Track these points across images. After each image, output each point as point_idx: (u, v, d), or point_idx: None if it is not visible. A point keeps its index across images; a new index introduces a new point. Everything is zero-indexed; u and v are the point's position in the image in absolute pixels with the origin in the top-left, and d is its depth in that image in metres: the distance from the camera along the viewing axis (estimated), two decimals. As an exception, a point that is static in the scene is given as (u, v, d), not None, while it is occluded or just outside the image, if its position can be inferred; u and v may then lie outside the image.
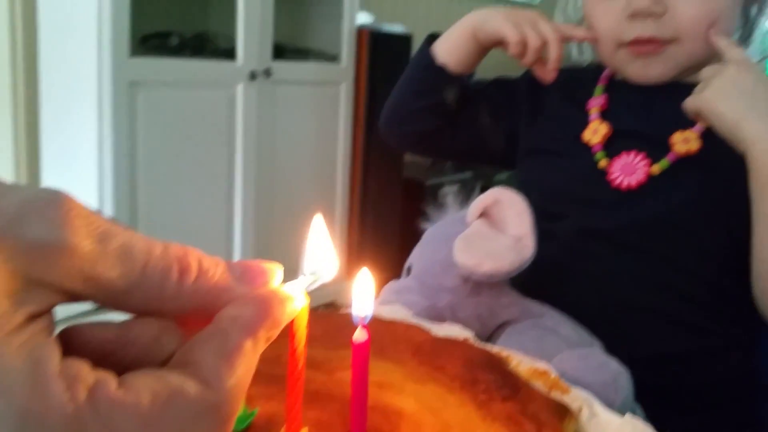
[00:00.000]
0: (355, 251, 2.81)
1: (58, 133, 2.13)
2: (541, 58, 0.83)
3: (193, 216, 2.23)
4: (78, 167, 2.06)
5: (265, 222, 2.45)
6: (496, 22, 0.82)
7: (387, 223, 2.86)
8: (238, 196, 2.35)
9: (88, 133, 1.99)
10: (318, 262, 0.31)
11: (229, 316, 0.26)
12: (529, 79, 0.89)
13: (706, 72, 0.71)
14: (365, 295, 0.32)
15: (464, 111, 0.92)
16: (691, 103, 0.70)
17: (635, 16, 0.75)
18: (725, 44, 0.73)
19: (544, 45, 0.81)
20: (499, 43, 0.84)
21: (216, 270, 0.27)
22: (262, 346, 0.27)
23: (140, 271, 0.25)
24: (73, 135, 2.06)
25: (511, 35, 0.80)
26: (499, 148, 0.94)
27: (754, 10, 0.82)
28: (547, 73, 0.83)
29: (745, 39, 0.83)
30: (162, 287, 0.25)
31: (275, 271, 0.29)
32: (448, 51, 0.88)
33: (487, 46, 0.86)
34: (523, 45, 0.81)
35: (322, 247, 0.31)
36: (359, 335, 0.32)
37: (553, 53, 0.81)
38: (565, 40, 0.82)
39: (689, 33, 0.75)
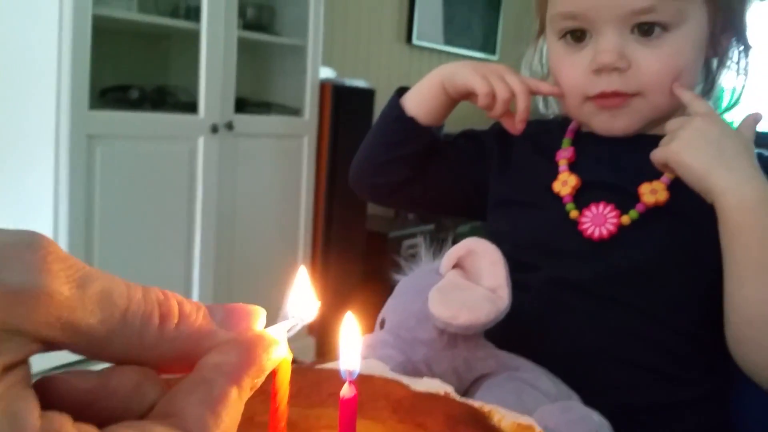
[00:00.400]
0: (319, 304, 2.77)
1: (13, 186, 2.08)
2: (509, 110, 0.83)
3: (150, 271, 2.18)
4: (32, 220, 2.01)
5: (225, 276, 2.41)
6: (465, 74, 0.83)
7: (350, 276, 2.84)
8: (197, 250, 2.32)
9: (43, 185, 1.95)
10: (299, 306, 0.30)
11: (212, 364, 0.25)
12: (497, 130, 0.90)
13: (671, 124, 0.71)
14: (352, 347, 0.30)
15: (435, 162, 0.91)
16: (658, 155, 0.70)
17: (600, 71, 0.76)
18: (689, 97, 0.74)
19: (512, 97, 0.81)
20: (468, 95, 0.84)
21: (198, 314, 0.26)
22: (247, 394, 0.26)
23: (120, 317, 0.23)
24: (28, 188, 2.02)
25: (480, 87, 0.81)
26: (469, 198, 0.94)
27: (715, 63, 0.84)
28: (516, 125, 0.83)
29: (707, 92, 0.84)
30: (143, 333, 0.24)
31: (258, 314, 0.28)
32: (418, 103, 0.88)
33: (456, 98, 0.86)
34: (492, 97, 0.81)
35: (303, 292, 0.30)
36: (347, 391, 0.29)
37: (521, 105, 0.81)
38: (532, 92, 0.83)
39: (653, 87, 0.76)
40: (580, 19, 0.77)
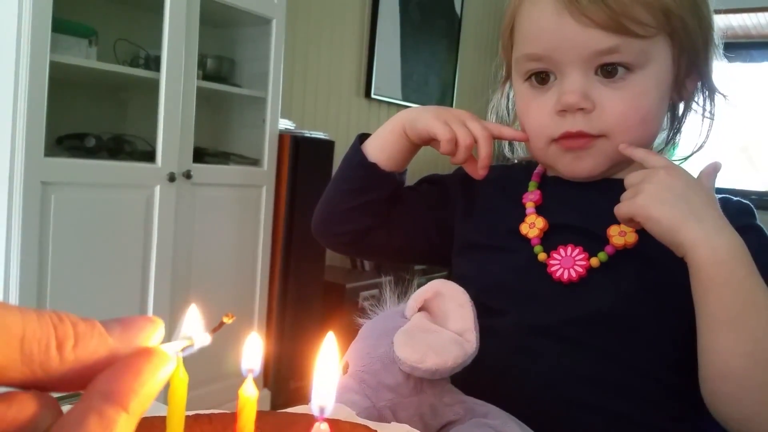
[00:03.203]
0: (275, 355, 2.72)
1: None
2: (471, 156, 0.83)
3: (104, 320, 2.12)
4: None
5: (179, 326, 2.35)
6: (426, 120, 0.82)
7: (307, 327, 2.80)
8: (151, 300, 2.27)
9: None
10: (194, 329, 0.31)
11: (99, 391, 0.25)
12: (461, 175, 0.89)
13: (632, 178, 0.71)
14: (326, 382, 0.29)
15: (398, 209, 0.90)
16: (624, 210, 0.69)
17: (565, 112, 0.76)
18: (642, 154, 0.74)
19: (474, 143, 0.81)
20: (430, 140, 0.84)
21: (93, 332, 0.26)
22: (137, 417, 0.25)
23: (17, 345, 0.23)
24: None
25: (441, 133, 0.80)
26: (433, 245, 0.93)
27: (680, 108, 0.84)
28: (478, 171, 0.83)
29: (672, 137, 0.85)
30: (42, 360, 0.24)
31: (156, 325, 0.28)
32: (380, 148, 0.87)
33: (418, 144, 0.86)
34: (454, 143, 0.80)
35: (196, 320, 0.31)
36: (320, 429, 0.28)
37: (483, 151, 0.81)
38: (495, 137, 0.82)
39: (618, 128, 0.75)
40: (545, 61, 0.76)
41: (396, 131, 0.86)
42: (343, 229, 0.91)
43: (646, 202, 0.67)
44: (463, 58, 4.57)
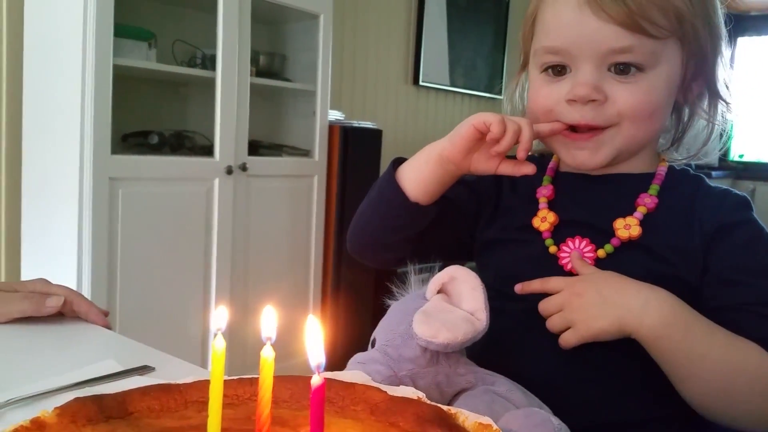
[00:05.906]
0: (329, 339, 2.82)
1: (41, 226, 2.18)
2: (506, 158, 0.84)
3: (170, 307, 2.27)
4: (57, 261, 2.11)
5: (240, 309, 2.49)
6: (469, 120, 0.81)
7: (360, 312, 2.90)
8: (213, 284, 2.40)
9: (68, 225, 2.05)
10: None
11: None
12: (491, 180, 0.92)
13: (554, 321, 0.78)
14: (316, 345, 0.38)
15: (436, 227, 0.91)
16: (573, 341, 0.76)
17: (575, 102, 0.79)
18: (539, 284, 0.80)
19: (520, 131, 0.80)
20: (476, 145, 0.82)
21: None
22: None
23: None
24: (55, 228, 2.12)
25: (489, 118, 0.79)
26: (466, 245, 0.97)
27: (685, 111, 0.87)
28: (518, 154, 0.82)
29: (678, 140, 0.88)
30: None
31: None
32: (416, 182, 0.86)
33: (456, 167, 0.84)
34: (504, 126, 0.78)
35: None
36: (315, 380, 0.37)
37: (525, 134, 0.79)
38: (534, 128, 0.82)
39: (629, 118, 0.79)
40: (562, 54, 0.80)
41: (432, 160, 0.84)
42: (388, 257, 0.95)
43: (584, 325, 0.75)
44: (511, 41, 4.55)
